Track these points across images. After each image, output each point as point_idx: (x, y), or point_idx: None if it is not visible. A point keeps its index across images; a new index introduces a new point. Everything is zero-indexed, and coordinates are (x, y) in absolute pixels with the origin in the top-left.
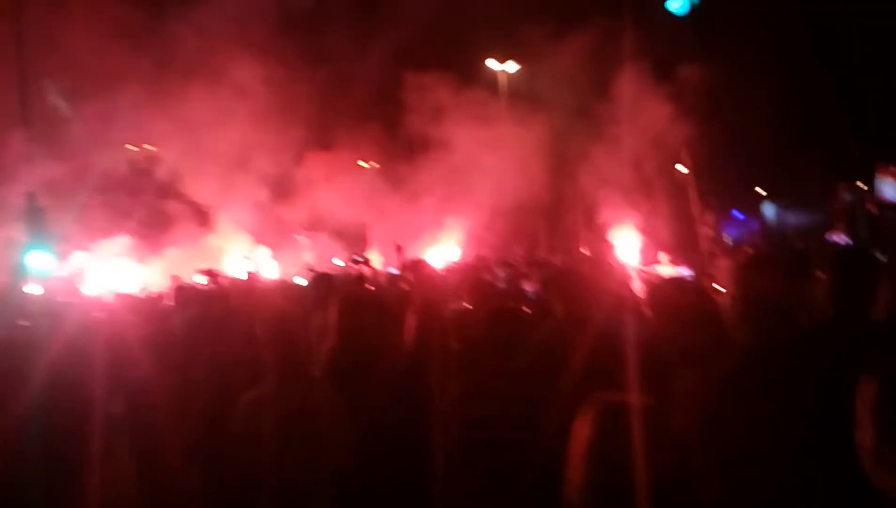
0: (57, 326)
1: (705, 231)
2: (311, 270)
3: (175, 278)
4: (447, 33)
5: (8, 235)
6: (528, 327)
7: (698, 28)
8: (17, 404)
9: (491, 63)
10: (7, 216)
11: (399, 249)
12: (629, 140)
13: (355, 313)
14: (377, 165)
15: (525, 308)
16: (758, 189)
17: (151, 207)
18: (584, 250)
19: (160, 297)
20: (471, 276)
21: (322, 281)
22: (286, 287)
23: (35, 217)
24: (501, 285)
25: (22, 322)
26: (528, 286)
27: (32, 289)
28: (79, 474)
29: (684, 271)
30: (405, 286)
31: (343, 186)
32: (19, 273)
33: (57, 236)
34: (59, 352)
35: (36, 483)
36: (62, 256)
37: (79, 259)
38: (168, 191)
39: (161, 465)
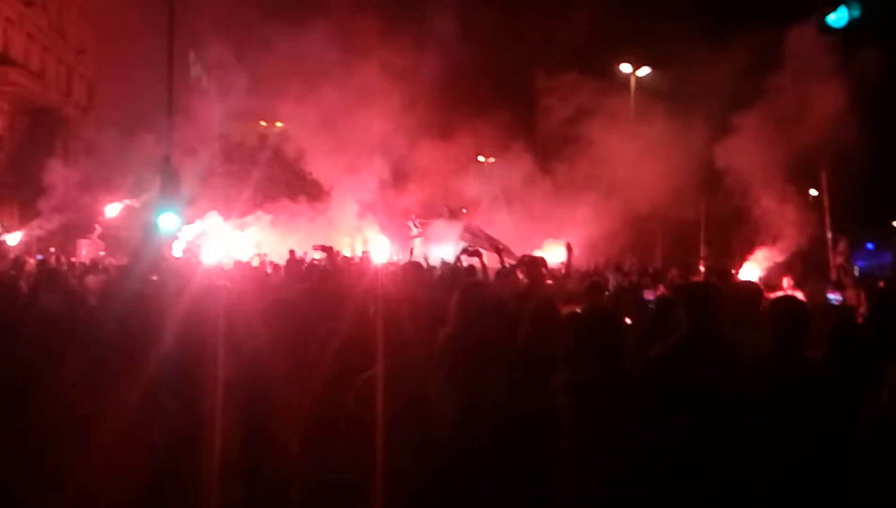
0: (183, 285)
1: (838, 260)
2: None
3: (292, 252)
4: (579, 37)
5: (145, 195)
6: (649, 334)
7: (848, 45)
8: (147, 355)
9: (624, 67)
10: (144, 178)
11: (499, 251)
12: (765, 159)
13: (477, 303)
14: (494, 161)
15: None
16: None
17: (276, 180)
18: (703, 267)
19: (276, 269)
20: (583, 280)
21: (414, 269)
22: (399, 271)
23: (168, 179)
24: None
25: (153, 278)
26: (649, 295)
27: (163, 247)
28: (192, 432)
29: (831, 297)
30: (518, 283)
31: (462, 179)
32: (151, 231)
33: (186, 199)
34: (184, 311)
35: (161, 433)
36: (189, 219)
37: (204, 224)
38: (293, 167)
39: (269, 437)
